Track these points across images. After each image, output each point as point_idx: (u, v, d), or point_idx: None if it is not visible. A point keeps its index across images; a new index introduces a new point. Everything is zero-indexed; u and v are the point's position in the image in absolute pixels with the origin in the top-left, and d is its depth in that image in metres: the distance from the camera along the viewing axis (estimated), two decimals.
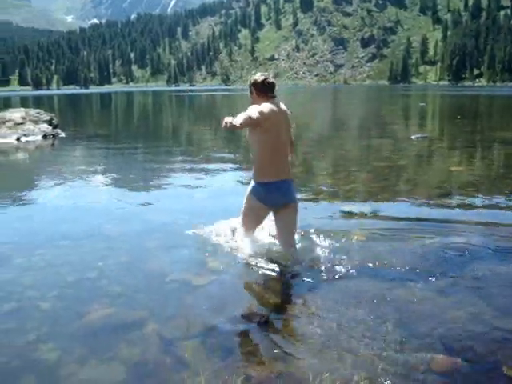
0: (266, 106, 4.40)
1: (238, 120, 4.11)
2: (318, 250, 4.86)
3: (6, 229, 6.18)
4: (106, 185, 8.99)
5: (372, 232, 5.48)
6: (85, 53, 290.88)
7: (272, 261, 4.61)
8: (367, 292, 4.03)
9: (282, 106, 4.63)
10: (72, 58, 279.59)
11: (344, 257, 4.70)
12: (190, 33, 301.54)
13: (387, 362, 3.02)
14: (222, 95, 76.51)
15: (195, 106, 48.87)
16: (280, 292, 4.13)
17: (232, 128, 4.10)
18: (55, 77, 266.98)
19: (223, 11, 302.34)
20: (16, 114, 17.03)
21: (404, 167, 10.56)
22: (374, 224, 5.84)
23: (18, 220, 6.56)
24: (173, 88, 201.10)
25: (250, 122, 4.20)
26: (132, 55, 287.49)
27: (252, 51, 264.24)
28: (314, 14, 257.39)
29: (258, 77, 4.63)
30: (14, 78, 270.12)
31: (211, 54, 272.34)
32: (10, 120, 16.56)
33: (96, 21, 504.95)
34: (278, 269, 4.49)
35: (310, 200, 7.11)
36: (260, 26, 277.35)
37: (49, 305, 3.96)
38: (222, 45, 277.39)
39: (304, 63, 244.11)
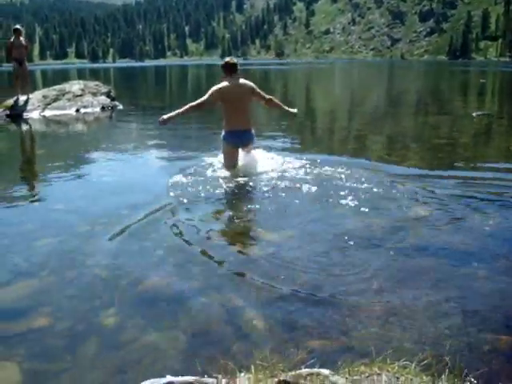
0: (219, 85, 6.70)
1: (192, 104, 6.62)
2: None
3: (67, 198, 6.31)
4: (157, 156, 9.06)
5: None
6: (140, 26, 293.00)
7: None
8: (430, 270, 3.97)
9: (242, 81, 6.80)
10: (127, 31, 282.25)
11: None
12: (245, 6, 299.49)
13: (452, 341, 2.96)
14: (276, 69, 76.14)
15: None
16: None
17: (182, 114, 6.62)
18: (111, 50, 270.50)
19: None
20: (75, 86, 17.32)
21: (465, 145, 10.28)
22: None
23: (79, 189, 6.69)
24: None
25: (206, 104, 6.68)
26: (186, 29, 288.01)
27: (307, 24, 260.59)
28: None
29: (224, 60, 6.86)
30: (71, 50, 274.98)
31: (265, 27, 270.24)
32: (69, 92, 16.86)
33: None
34: None
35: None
36: None
37: (108, 272, 4.04)
38: (276, 18, 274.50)
39: (360, 37, 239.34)
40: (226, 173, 6.80)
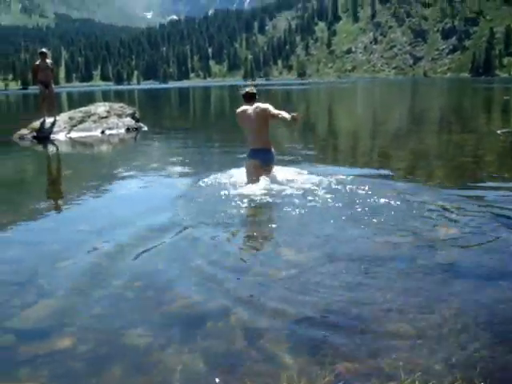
0: (240, 110, 7.47)
1: None
2: None
3: (91, 218, 6.34)
4: (181, 176, 9.08)
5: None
6: (164, 48, 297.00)
7: None
8: (458, 291, 3.91)
9: (258, 104, 7.34)
10: (151, 53, 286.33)
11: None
12: (267, 27, 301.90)
13: (482, 364, 2.90)
14: (297, 89, 76.43)
15: (271, 100, 48.97)
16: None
17: None
18: (135, 72, 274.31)
19: (300, 5, 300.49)
20: (101, 108, 17.55)
21: (491, 163, 10.16)
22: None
23: (103, 209, 6.75)
24: (250, 83, 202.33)
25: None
26: (209, 50, 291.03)
27: (329, 44, 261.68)
28: (392, 5, 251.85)
29: (242, 91, 7.62)
30: (97, 73, 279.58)
31: (287, 47, 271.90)
32: (94, 114, 17.09)
33: (175, 17, 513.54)
34: None
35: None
36: (337, 18, 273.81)
37: (132, 293, 4.04)
38: (298, 38, 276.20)
39: (382, 56, 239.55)
40: (247, 190, 6.98)
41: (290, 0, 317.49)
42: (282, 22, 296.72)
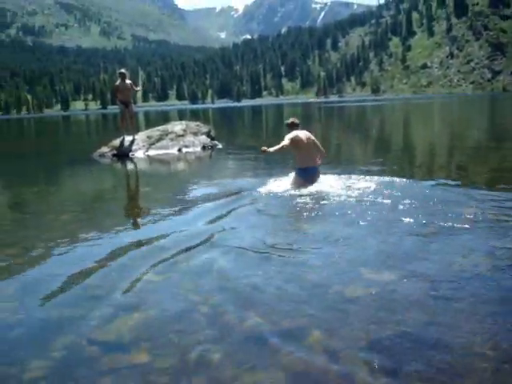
0: (292, 134, 8.76)
1: (279, 146, 8.59)
2: None
3: (170, 234, 6.43)
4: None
5: None
6: (237, 67, 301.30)
7: None
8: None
9: (303, 131, 8.95)
10: (225, 72, 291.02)
11: None
12: (340, 44, 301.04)
13: None
14: (371, 105, 75.69)
15: (343, 116, 48.71)
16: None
17: (275, 152, 8.59)
18: (209, 91, 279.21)
19: (373, 20, 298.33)
20: (177, 126, 17.95)
21: None
22: None
23: (180, 225, 6.83)
24: (322, 100, 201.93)
25: (286, 147, 8.62)
26: (282, 68, 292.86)
27: (403, 60, 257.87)
28: (468, 18, 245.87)
29: (288, 121, 9.11)
30: (172, 92, 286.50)
31: (361, 64, 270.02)
32: (172, 132, 17.50)
33: (248, 36, 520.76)
34: None
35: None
36: (411, 33, 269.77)
37: (209, 309, 4.07)
38: (371, 54, 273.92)
39: (458, 70, 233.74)
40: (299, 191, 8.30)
41: (362, 16, 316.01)
42: (355, 38, 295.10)
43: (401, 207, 6.90)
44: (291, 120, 9.12)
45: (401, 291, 4.23)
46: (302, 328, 3.67)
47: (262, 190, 8.70)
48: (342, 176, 9.32)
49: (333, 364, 3.19)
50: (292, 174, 9.12)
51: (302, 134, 8.85)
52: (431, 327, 3.59)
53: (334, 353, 3.31)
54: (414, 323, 3.66)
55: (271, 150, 8.50)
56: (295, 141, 8.68)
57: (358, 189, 8.20)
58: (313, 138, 8.93)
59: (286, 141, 8.67)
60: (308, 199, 7.76)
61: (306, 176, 8.72)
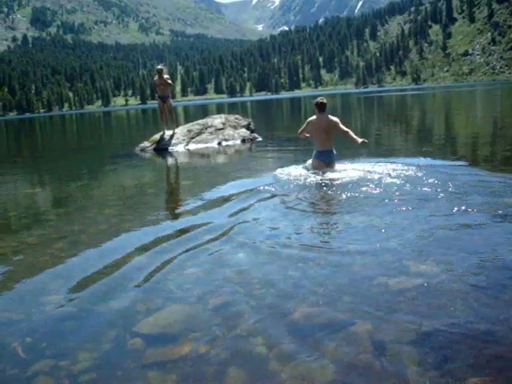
0: (312, 118, 9.55)
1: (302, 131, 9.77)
2: None
3: (211, 227, 6.47)
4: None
5: None
6: (275, 59, 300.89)
7: None
8: None
9: (327, 116, 9.47)
10: (263, 65, 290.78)
11: None
12: (379, 33, 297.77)
13: None
14: (411, 95, 74.61)
15: (383, 106, 48.11)
16: None
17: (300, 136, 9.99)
18: (248, 84, 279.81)
19: (412, 8, 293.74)
20: (217, 120, 18.02)
21: None
22: None
23: (221, 217, 6.83)
24: (361, 90, 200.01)
25: (303, 130, 9.78)
26: (320, 59, 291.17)
27: (444, 47, 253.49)
28: (511, 3, 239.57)
29: (316, 100, 9.60)
30: (210, 86, 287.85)
31: (400, 53, 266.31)
32: (211, 126, 17.58)
33: (285, 27, 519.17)
34: None
35: None
36: (452, 20, 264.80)
37: (255, 301, 4.07)
38: (411, 43, 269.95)
39: (501, 57, 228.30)
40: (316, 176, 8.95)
41: (401, 4, 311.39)
42: (394, 26, 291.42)
43: (441, 195, 6.78)
44: (317, 99, 9.66)
45: (446, 283, 4.14)
46: (347, 321, 3.63)
47: (287, 176, 9.32)
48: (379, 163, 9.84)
49: (379, 358, 3.15)
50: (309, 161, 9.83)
51: (322, 119, 9.47)
52: (480, 320, 3.51)
53: (381, 346, 3.27)
54: (462, 316, 3.58)
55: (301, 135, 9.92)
56: (311, 124, 9.51)
57: (392, 175, 8.44)
58: (337, 124, 9.38)
59: (304, 125, 9.65)
60: (337, 186, 8.04)
61: (322, 158, 9.45)
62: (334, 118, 9.49)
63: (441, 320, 3.53)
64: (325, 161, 9.43)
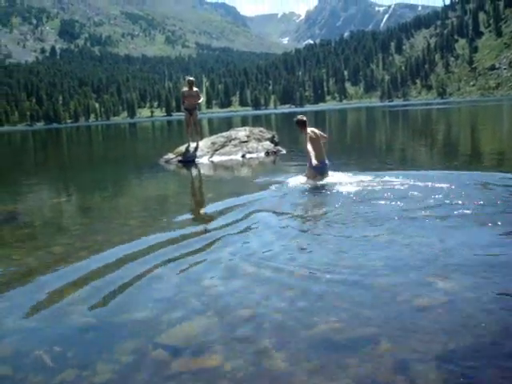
0: (311, 131, 10.11)
1: (310, 153, 9.81)
2: None
3: (234, 241, 6.44)
4: None
5: None
6: (300, 73, 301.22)
7: None
8: None
9: (314, 129, 10.26)
10: (288, 78, 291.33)
11: None
12: (404, 47, 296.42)
13: None
14: (437, 109, 74.13)
15: (408, 120, 47.84)
16: None
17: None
18: (272, 97, 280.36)
19: (438, 22, 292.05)
20: (241, 132, 18.08)
21: None
22: None
23: (246, 231, 6.84)
24: (386, 104, 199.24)
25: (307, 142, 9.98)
26: (345, 73, 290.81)
27: (470, 61, 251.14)
28: None
29: (298, 119, 10.34)
30: (235, 99, 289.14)
31: (426, 66, 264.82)
32: (235, 138, 17.64)
33: (310, 41, 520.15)
34: None
35: None
36: (478, 34, 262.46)
37: (279, 316, 4.04)
38: (437, 57, 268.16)
39: None
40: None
41: (427, 18, 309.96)
42: (420, 40, 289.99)
43: (467, 211, 6.70)
44: (299, 118, 10.35)
45: (471, 299, 4.10)
46: (370, 336, 3.60)
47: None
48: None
49: (402, 377, 3.11)
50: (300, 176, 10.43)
51: (313, 131, 10.17)
52: (506, 339, 3.46)
53: (404, 365, 3.23)
54: (487, 335, 3.54)
55: (314, 162, 9.76)
56: (312, 137, 10.01)
57: (415, 189, 8.45)
58: (318, 132, 10.27)
59: (308, 143, 9.92)
60: (356, 198, 8.20)
61: (322, 171, 9.98)
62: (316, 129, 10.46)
63: (466, 339, 3.49)
64: (323, 172, 10.06)
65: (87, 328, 4.08)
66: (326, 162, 10.13)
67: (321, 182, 9.73)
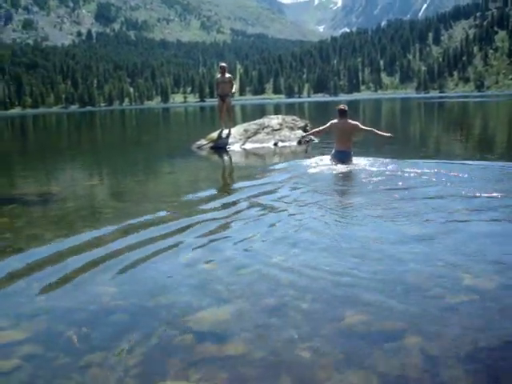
0: (335, 121, 11.01)
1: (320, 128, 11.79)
2: None
3: (265, 229, 6.42)
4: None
5: None
6: (335, 61, 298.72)
7: None
8: None
9: (346, 120, 10.93)
10: (322, 66, 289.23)
11: None
12: (442, 37, 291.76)
13: None
14: (473, 102, 72.88)
15: (443, 112, 47.15)
16: None
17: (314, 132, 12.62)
18: (306, 85, 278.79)
19: (478, 13, 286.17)
20: (274, 120, 18.02)
21: None
22: None
23: (273, 219, 6.81)
24: (421, 95, 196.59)
25: (324, 130, 11.65)
26: (381, 62, 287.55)
27: (509, 54, 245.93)
28: None
29: (339, 107, 11.01)
30: (269, 86, 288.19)
31: (464, 58, 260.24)
32: (268, 126, 17.59)
33: (347, 29, 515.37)
34: None
35: None
36: None
37: (307, 306, 4.04)
38: (476, 49, 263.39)
39: None
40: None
41: (467, 8, 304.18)
42: (459, 31, 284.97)
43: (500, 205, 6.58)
44: (339, 107, 11.12)
45: (503, 297, 4.05)
46: (398, 331, 3.57)
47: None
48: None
49: (429, 372, 3.08)
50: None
51: (341, 123, 10.94)
52: None
53: (431, 360, 3.19)
54: None
55: (309, 132, 12.71)
56: (333, 127, 11.07)
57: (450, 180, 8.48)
58: (356, 126, 10.97)
59: (327, 125, 11.23)
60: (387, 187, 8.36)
61: (339, 157, 10.81)
62: (354, 122, 11.09)
63: (496, 336, 3.43)
64: (341, 159, 10.74)
65: (115, 310, 4.12)
66: (347, 150, 10.87)
67: (343, 169, 10.27)
